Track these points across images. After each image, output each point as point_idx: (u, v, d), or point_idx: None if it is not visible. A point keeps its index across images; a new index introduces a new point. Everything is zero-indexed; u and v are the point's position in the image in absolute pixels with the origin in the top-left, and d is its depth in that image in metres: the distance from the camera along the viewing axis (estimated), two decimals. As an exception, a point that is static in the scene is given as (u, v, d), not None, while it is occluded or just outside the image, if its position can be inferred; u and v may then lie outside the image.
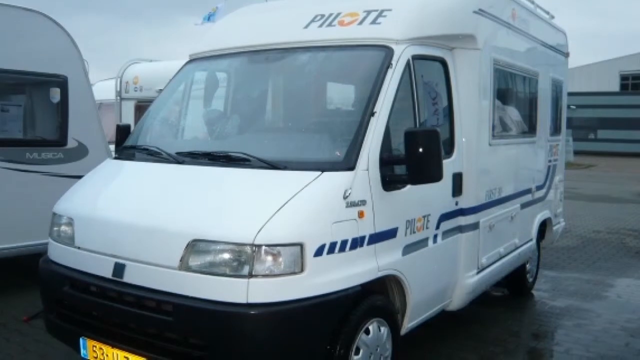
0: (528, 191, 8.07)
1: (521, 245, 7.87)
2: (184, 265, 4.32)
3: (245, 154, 4.95)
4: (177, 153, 5.38)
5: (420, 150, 4.71)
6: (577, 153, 39.70)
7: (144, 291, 4.47)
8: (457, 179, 6.02)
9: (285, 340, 4.23)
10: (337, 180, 4.60)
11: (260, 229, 4.18)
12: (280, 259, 4.20)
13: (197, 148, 5.49)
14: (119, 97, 14.87)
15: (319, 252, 4.32)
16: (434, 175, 4.86)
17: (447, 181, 5.70)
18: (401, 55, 5.26)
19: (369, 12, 5.63)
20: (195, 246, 4.32)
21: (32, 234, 7.81)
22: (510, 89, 7.63)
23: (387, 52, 5.25)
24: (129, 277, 4.58)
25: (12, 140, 8.70)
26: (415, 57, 5.44)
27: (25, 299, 7.82)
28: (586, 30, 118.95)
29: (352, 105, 5.60)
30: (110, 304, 4.66)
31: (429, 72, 5.85)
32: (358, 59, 5.57)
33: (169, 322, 4.33)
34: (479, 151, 6.35)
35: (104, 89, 14.90)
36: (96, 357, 4.77)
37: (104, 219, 4.98)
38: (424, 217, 5.53)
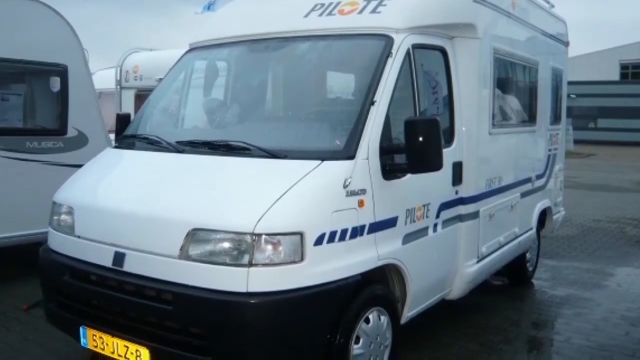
0: (528, 180, 8.07)
1: (521, 234, 7.87)
2: (184, 254, 4.32)
3: (245, 143, 4.94)
4: (177, 142, 5.38)
5: (420, 139, 4.70)
6: (577, 142, 39.66)
7: (144, 280, 4.48)
8: (457, 168, 6.02)
9: (285, 329, 4.24)
10: (337, 169, 4.60)
11: (260, 218, 4.18)
12: (280, 248, 4.20)
13: (197, 137, 5.48)
14: (119, 86, 14.87)
15: (319, 241, 4.32)
16: (434, 164, 4.85)
17: (447, 170, 5.70)
18: (401, 44, 5.25)
19: (368, 1, 5.62)
20: (195, 235, 4.32)
21: (32, 223, 7.82)
22: (511, 78, 7.62)
23: (387, 41, 5.24)
24: (128, 266, 4.58)
25: (12, 130, 8.70)
26: (415, 46, 5.43)
27: (25, 288, 7.82)
28: (586, 19, 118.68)
29: (352, 94, 5.58)
30: (110, 293, 4.67)
31: (429, 61, 5.84)
32: (358, 48, 5.56)
33: (168, 311, 4.33)
34: (479, 140, 6.35)
35: (104, 78, 14.88)
36: (96, 346, 4.79)
37: (104, 208, 4.98)
38: (424, 206, 5.53)
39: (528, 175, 8.08)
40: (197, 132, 6.20)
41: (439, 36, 5.92)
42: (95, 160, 5.88)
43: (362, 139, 4.75)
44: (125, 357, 4.60)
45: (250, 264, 4.15)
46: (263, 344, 4.24)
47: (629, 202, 17.93)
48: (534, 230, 8.50)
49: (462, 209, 6.17)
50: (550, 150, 9.06)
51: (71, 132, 8.90)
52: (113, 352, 4.68)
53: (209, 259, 4.26)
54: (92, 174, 5.66)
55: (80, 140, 8.97)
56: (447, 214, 5.92)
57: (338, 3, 5.75)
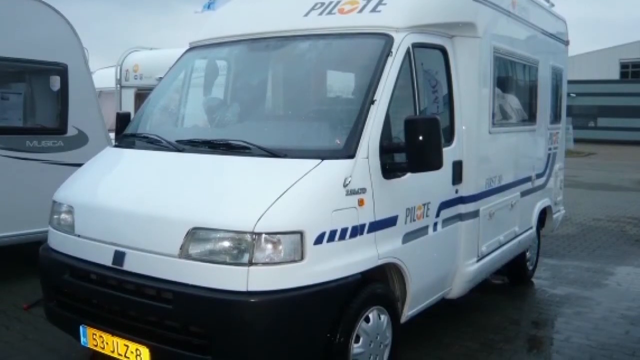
0: (528, 179, 8.06)
1: (521, 233, 7.87)
2: (184, 253, 4.32)
3: (245, 142, 4.94)
4: (177, 141, 5.37)
5: (420, 138, 4.70)
6: (577, 141, 39.68)
7: (144, 279, 4.48)
8: (457, 167, 6.02)
9: (285, 328, 4.24)
10: (337, 168, 4.60)
11: (260, 217, 4.17)
12: (280, 247, 4.20)
13: (197, 136, 5.47)
14: (119, 85, 14.86)
15: (319, 240, 4.32)
16: (434, 163, 4.85)
17: (447, 169, 5.69)
18: (401, 43, 5.24)
19: (368, 0, 5.61)
20: (195, 234, 4.32)
21: (32, 222, 7.81)
22: (511, 77, 7.62)
23: (387, 40, 5.23)
24: (129, 265, 4.58)
25: (12, 129, 8.69)
26: (415, 45, 5.42)
27: (25, 287, 7.82)
28: (586, 18, 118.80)
29: (352, 93, 5.57)
30: (111, 292, 4.67)
31: (429, 60, 5.83)
32: (358, 47, 5.55)
33: (169, 310, 4.33)
34: (479, 139, 6.34)
35: (104, 77, 14.88)
36: (96, 345, 4.79)
37: (104, 207, 4.98)
38: (424, 205, 5.53)
39: (528, 174, 8.08)
40: (197, 131, 6.20)
41: (439, 35, 5.91)
42: (95, 159, 5.88)
43: (362, 138, 4.75)
44: (125, 356, 4.61)
45: (250, 263, 4.14)
46: (263, 343, 4.24)
47: (629, 201, 17.94)
48: (534, 229, 8.50)
49: (462, 208, 6.17)
50: (550, 149, 9.05)
51: (71, 131, 8.90)
52: (113, 351, 4.68)
53: (209, 258, 4.25)
54: (92, 173, 5.66)
55: (80, 139, 8.97)
56: (447, 213, 5.92)
57: (338, 2, 5.75)
